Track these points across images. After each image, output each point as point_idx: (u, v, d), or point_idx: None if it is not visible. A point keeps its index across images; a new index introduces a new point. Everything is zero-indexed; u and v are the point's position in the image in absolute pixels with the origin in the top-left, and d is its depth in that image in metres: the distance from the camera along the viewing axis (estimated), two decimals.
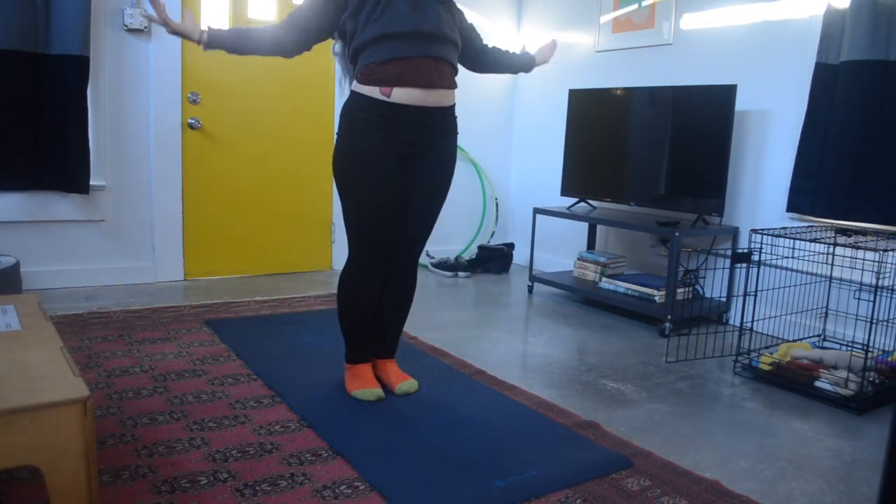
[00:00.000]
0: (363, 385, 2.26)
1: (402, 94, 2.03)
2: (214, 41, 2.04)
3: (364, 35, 2.00)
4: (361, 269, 2.18)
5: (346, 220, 2.16)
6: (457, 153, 2.27)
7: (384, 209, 2.11)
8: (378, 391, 2.25)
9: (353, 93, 2.09)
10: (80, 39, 3.27)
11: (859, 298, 2.91)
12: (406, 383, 2.32)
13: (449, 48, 2.10)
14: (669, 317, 3.17)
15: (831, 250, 2.94)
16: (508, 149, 4.93)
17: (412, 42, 2.00)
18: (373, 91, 2.03)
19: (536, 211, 3.92)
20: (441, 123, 2.15)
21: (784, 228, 2.83)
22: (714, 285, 3.55)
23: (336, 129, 2.18)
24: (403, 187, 2.17)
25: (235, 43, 2.05)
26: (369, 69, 2.02)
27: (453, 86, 2.14)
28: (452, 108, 2.18)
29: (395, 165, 2.10)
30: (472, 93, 4.66)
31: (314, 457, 1.84)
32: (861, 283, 2.88)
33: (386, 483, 1.71)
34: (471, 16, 4.59)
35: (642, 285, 3.46)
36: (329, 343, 2.82)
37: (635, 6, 3.90)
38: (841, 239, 2.58)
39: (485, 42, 2.41)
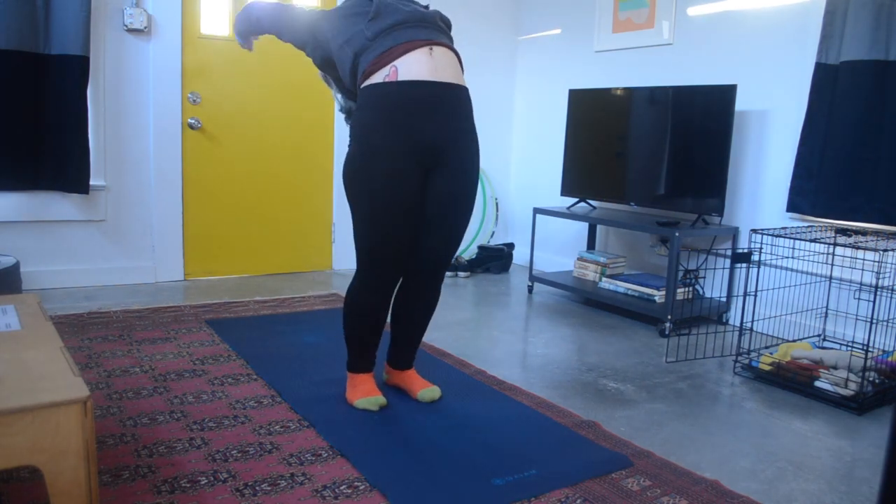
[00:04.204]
0: (363, 394, 2.18)
1: (408, 67, 1.92)
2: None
3: (363, 38, 1.98)
4: (368, 286, 2.06)
5: (354, 233, 2.03)
6: (479, 161, 2.12)
7: (395, 222, 1.96)
8: (380, 398, 2.16)
9: (360, 91, 2.00)
10: (80, 39, 3.27)
11: (859, 298, 2.91)
12: (429, 390, 2.24)
13: (448, 41, 2.08)
14: (669, 317, 3.17)
15: (831, 250, 2.94)
16: (508, 149, 4.93)
17: (413, 29, 1.98)
18: (377, 79, 1.94)
19: (536, 211, 3.92)
20: (455, 110, 1.99)
21: (784, 228, 2.83)
22: (714, 285, 3.55)
23: (348, 134, 2.09)
24: (420, 201, 2.02)
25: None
26: (372, 63, 1.95)
27: (459, 68, 2.06)
28: (465, 91, 2.04)
29: (411, 175, 1.96)
30: (471, 93, 4.66)
31: (314, 457, 1.84)
32: (861, 283, 2.88)
33: (386, 482, 1.71)
34: (470, 16, 4.60)
35: (642, 285, 3.46)
36: (329, 343, 2.82)
37: (635, 6, 3.90)
38: (841, 239, 2.58)
39: None
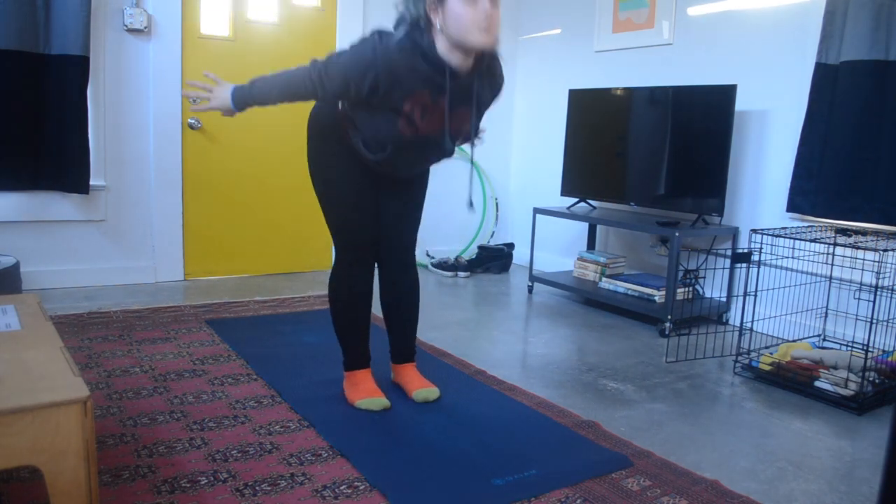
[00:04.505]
0: (366, 394, 2.18)
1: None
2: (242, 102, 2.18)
3: (366, 131, 1.98)
4: (344, 265, 2.17)
5: (326, 219, 2.17)
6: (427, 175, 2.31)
7: (358, 206, 2.12)
8: (383, 400, 2.16)
9: (335, 112, 2.06)
10: (80, 39, 3.27)
11: (859, 298, 2.91)
12: (424, 390, 2.25)
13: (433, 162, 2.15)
14: (669, 317, 3.17)
15: (831, 250, 2.94)
16: (508, 149, 4.93)
17: (407, 152, 2.03)
18: (353, 136, 2.04)
19: (536, 211, 3.92)
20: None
21: (784, 228, 2.83)
22: (714, 285, 3.55)
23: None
24: (372, 183, 2.19)
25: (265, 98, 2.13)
26: (352, 140, 2.04)
27: None
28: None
29: (361, 176, 2.13)
30: None
31: (314, 457, 1.84)
32: (861, 283, 2.88)
33: (386, 482, 1.71)
34: None
35: (642, 285, 3.46)
36: (329, 343, 2.82)
37: (635, 6, 3.90)
38: (841, 239, 2.58)
39: None
